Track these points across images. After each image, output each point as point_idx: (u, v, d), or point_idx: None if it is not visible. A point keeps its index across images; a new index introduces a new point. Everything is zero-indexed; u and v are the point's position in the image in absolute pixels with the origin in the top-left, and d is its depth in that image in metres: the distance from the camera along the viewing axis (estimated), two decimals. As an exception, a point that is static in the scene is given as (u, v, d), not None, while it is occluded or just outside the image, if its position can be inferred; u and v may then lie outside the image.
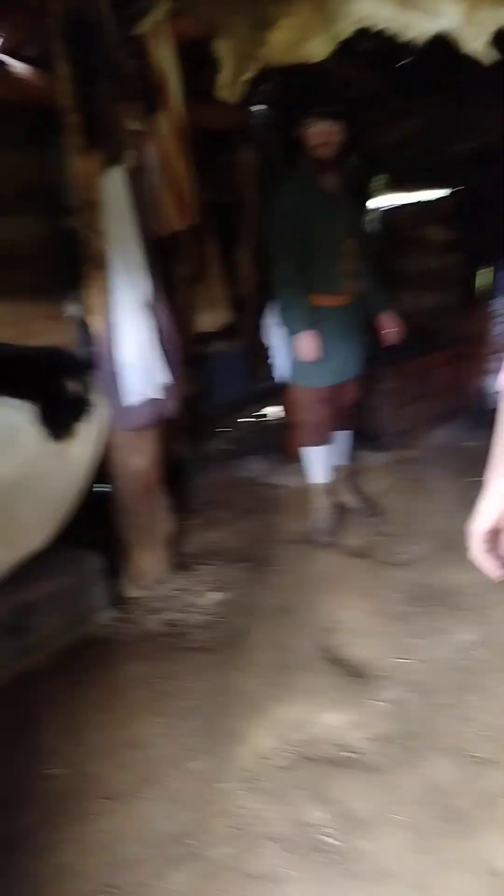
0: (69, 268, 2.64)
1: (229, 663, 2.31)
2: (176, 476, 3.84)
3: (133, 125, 2.30)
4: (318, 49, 1.94)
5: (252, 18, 2.00)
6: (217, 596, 2.76)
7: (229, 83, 2.11)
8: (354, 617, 2.59)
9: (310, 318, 2.82)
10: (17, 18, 2.34)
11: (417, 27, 1.77)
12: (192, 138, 2.36)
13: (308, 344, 2.84)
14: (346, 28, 1.85)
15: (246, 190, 3.55)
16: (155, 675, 2.28)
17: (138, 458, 2.59)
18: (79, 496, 2.44)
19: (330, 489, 3.33)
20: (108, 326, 2.34)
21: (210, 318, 3.57)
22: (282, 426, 4.44)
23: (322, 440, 3.17)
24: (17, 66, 2.50)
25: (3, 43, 2.46)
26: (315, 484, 3.29)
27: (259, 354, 4.13)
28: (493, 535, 0.99)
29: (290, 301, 2.84)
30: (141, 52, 2.29)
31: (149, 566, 2.77)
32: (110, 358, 2.36)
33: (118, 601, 2.69)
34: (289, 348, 3.02)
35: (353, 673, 2.26)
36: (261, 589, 2.82)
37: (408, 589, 2.73)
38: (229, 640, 2.46)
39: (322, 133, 2.74)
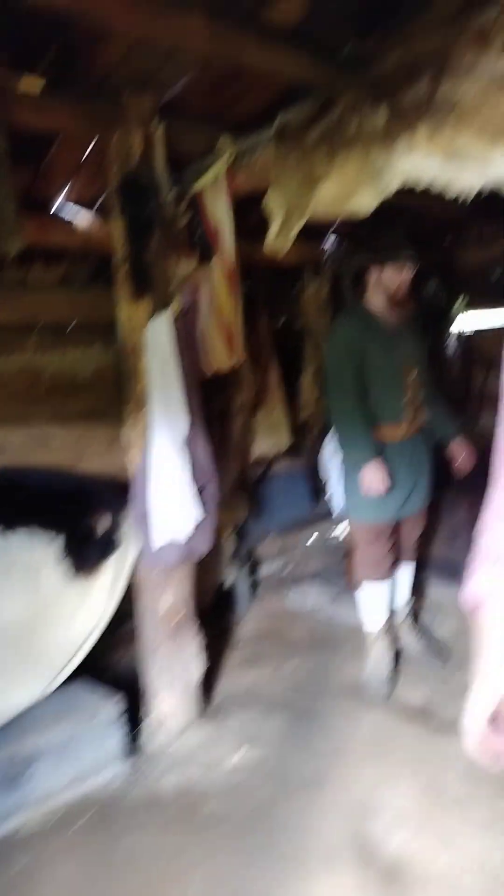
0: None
1: (243, 850, 2.06)
2: (221, 605, 3.72)
3: (184, 272, 2.37)
4: (365, 202, 1.94)
5: (301, 173, 2.05)
6: (245, 754, 2.53)
7: (279, 236, 2.14)
8: (399, 798, 2.27)
9: (374, 448, 2.72)
10: (84, 174, 2.54)
11: (465, 180, 1.72)
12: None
13: (374, 475, 2.69)
14: (391, 182, 1.84)
15: (311, 318, 3.58)
16: (159, 852, 2.07)
17: (166, 597, 2.49)
18: (100, 635, 2.36)
19: (390, 632, 3.08)
20: (144, 464, 2.33)
21: (270, 443, 3.53)
22: (345, 551, 4.26)
23: (381, 576, 2.95)
24: (84, 216, 2.69)
25: (72, 194, 2.67)
26: (372, 626, 3.04)
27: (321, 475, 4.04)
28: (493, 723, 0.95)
29: (351, 434, 2.75)
30: (197, 205, 2.39)
31: (172, 713, 2.60)
32: (143, 495, 2.33)
33: (133, 753, 2.51)
34: (346, 481, 2.90)
35: (387, 875, 1.94)
36: (296, 750, 2.56)
37: (469, 765, 2.37)
38: (249, 816, 2.21)
39: (393, 277, 2.74)
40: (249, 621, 3.70)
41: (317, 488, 4.58)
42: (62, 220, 2.71)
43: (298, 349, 3.74)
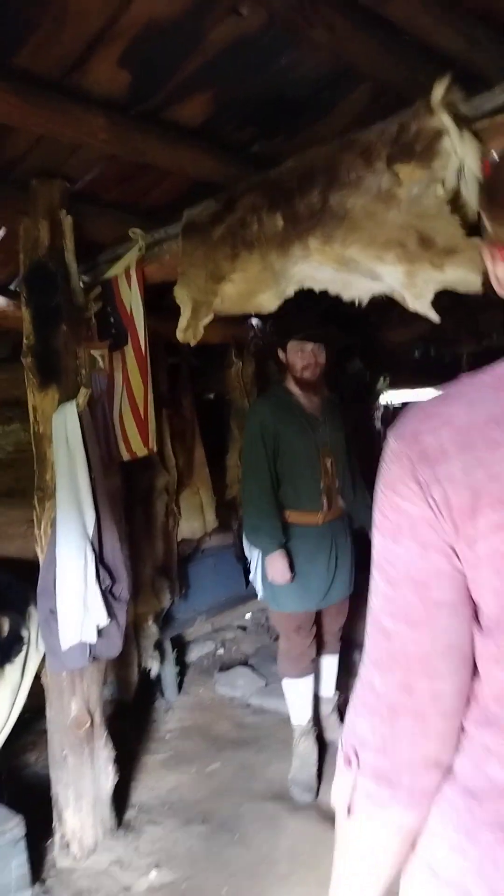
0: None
1: None
2: (146, 696, 3.55)
3: (95, 359, 2.34)
4: (267, 302, 1.97)
5: (207, 270, 2.07)
6: (155, 877, 2.34)
7: (187, 328, 2.15)
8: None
9: (280, 537, 2.69)
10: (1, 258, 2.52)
11: (359, 287, 1.76)
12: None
13: (278, 565, 2.67)
14: (289, 286, 1.88)
15: (237, 397, 3.59)
16: None
17: (74, 703, 2.34)
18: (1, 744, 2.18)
19: (316, 727, 2.97)
20: (49, 559, 2.22)
21: (195, 525, 3.46)
22: (276, 635, 4.16)
23: (301, 671, 2.87)
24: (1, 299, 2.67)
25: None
26: (297, 721, 2.93)
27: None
28: None
29: (259, 519, 2.73)
30: (112, 292, 2.39)
31: (81, 831, 2.41)
32: (49, 592, 2.22)
33: (40, 876, 2.31)
34: (263, 568, 2.85)
35: None
36: (213, 869, 2.38)
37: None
38: None
39: (303, 356, 2.75)
40: (175, 713, 3.53)
41: (248, 567, 4.50)
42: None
43: (226, 426, 3.74)
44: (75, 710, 2.34)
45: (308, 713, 2.91)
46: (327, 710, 3.09)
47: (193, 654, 4.21)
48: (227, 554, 4.22)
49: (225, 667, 3.96)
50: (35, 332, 2.20)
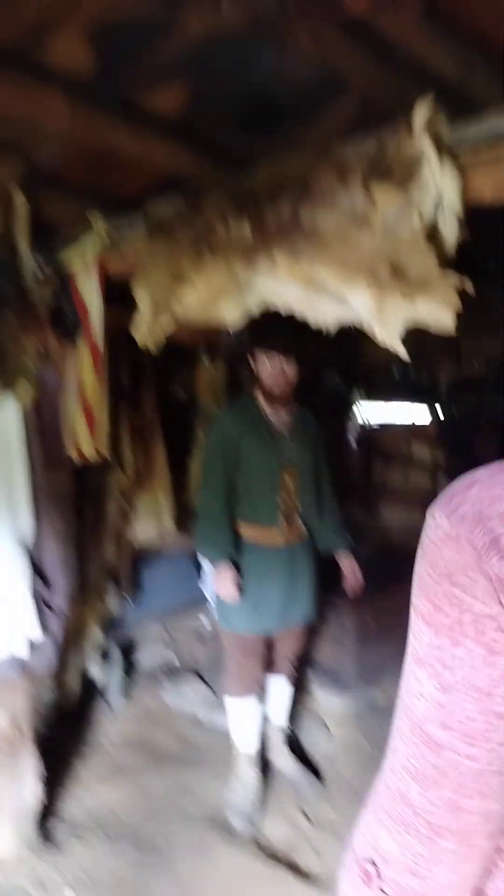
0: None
1: None
2: (88, 702, 3.44)
3: (45, 351, 2.21)
4: (229, 313, 1.85)
5: (169, 270, 1.95)
6: (71, 900, 2.26)
7: (146, 329, 2.02)
8: None
9: (228, 549, 2.59)
10: None
11: (327, 312, 1.65)
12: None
13: (225, 579, 2.57)
14: (253, 300, 1.76)
15: (204, 401, 3.47)
16: None
17: (2, 714, 2.22)
18: None
19: (259, 752, 2.89)
20: (-22, 567, 2.10)
21: (151, 528, 3.35)
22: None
23: (246, 692, 2.78)
24: None
25: None
26: (238, 746, 2.85)
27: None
28: None
29: (209, 528, 2.63)
30: (67, 282, 2.25)
31: (2, 846, 2.31)
32: (-24, 602, 2.10)
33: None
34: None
35: None
36: (133, 897, 2.30)
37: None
38: None
39: (272, 369, 2.61)
40: (117, 722, 3.43)
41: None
42: None
43: (191, 428, 3.61)
44: (2, 722, 2.22)
45: (253, 740, 2.82)
46: (278, 739, 3.00)
47: (144, 659, 4.10)
48: (181, 558, 4.11)
49: (174, 675, 3.87)
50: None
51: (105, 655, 3.36)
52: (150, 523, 3.37)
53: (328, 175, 1.44)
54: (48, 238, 2.30)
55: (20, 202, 2.08)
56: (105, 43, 1.60)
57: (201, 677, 3.84)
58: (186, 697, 3.65)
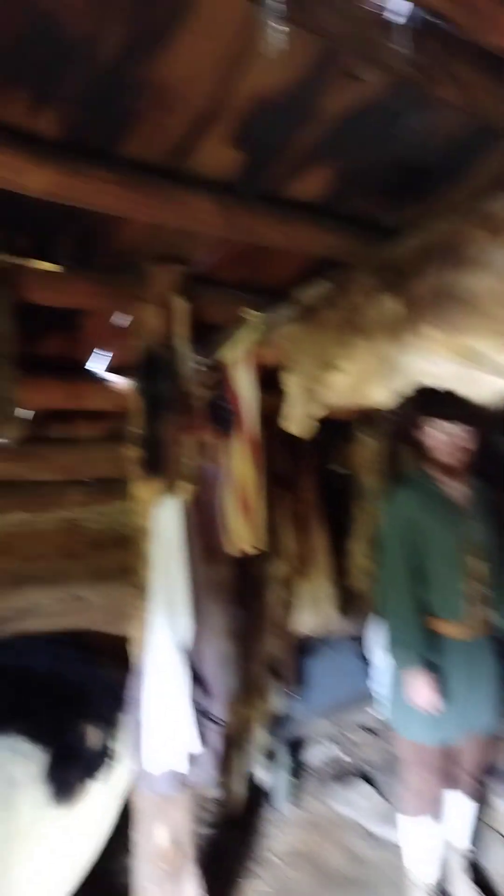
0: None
1: None
2: (254, 806, 3.26)
3: (203, 447, 2.23)
4: (379, 396, 1.73)
5: (317, 357, 1.89)
6: None
7: (296, 418, 1.96)
8: None
9: (421, 650, 2.31)
10: (117, 341, 2.51)
11: (488, 386, 1.48)
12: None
13: (420, 686, 2.28)
14: (405, 381, 1.63)
15: (364, 478, 3.32)
16: None
17: (161, 831, 2.13)
18: (85, 871, 2.02)
19: (437, 881, 2.52)
20: (140, 669, 2.07)
21: (314, 619, 3.19)
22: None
23: (424, 811, 2.45)
24: (119, 380, 2.66)
25: (110, 361, 2.66)
26: (413, 872, 2.51)
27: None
28: None
29: (398, 629, 2.36)
30: (223, 375, 2.28)
31: None
32: (138, 705, 2.06)
33: None
34: (393, 682, 2.47)
35: None
36: None
37: None
38: None
39: (447, 438, 2.39)
40: (285, 831, 3.20)
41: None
42: (101, 381, 2.70)
43: (350, 509, 3.47)
44: (161, 840, 2.13)
45: (430, 867, 2.47)
46: (458, 864, 2.62)
47: (312, 756, 3.86)
48: (351, 646, 3.88)
49: (344, 779, 3.58)
50: (144, 421, 2.13)
51: (271, 756, 3.18)
52: (312, 612, 3.22)
53: (479, 234, 1.31)
54: (206, 337, 2.36)
55: (180, 306, 2.16)
56: (249, 141, 1.63)
57: (371, 782, 3.52)
58: (355, 805, 3.35)
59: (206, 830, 3.05)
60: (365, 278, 1.68)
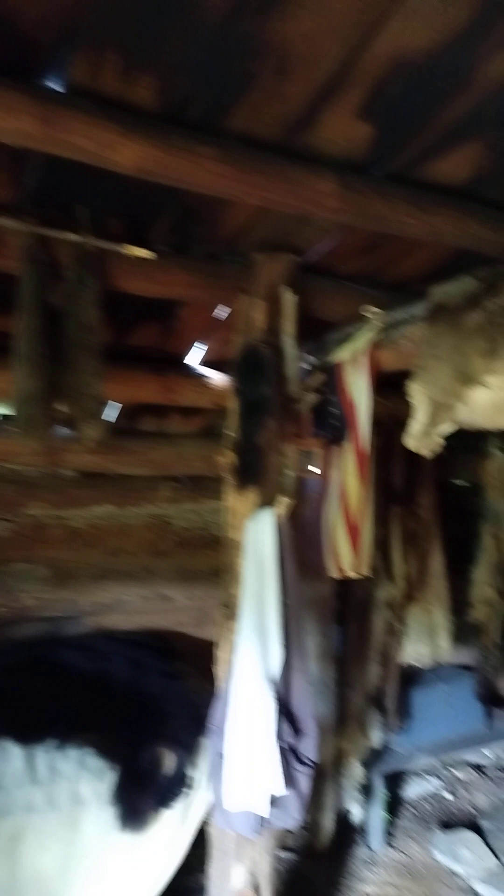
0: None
1: None
2: (345, 842, 3.07)
3: (307, 456, 2.04)
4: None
5: (454, 366, 1.63)
6: None
7: (421, 434, 1.72)
8: None
9: None
10: (216, 334, 2.36)
11: None
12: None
13: None
14: None
15: (493, 496, 2.99)
16: None
17: (237, 870, 2.00)
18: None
19: None
20: (225, 696, 1.94)
21: (423, 649, 2.93)
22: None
23: None
24: (216, 375, 2.51)
25: (207, 355, 2.52)
26: None
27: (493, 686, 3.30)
28: None
29: None
30: (335, 378, 2.07)
31: None
32: (221, 733, 1.93)
33: None
34: None
35: None
36: None
37: None
38: None
39: None
40: (376, 872, 2.99)
41: (492, 698, 3.76)
42: (196, 376, 2.56)
43: (473, 530, 3.14)
44: (238, 881, 2.00)
45: None
46: None
47: (411, 791, 3.61)
48: (464, 679, 3.56)
49: (449, 824, 3.31)
50: (240, 425, 1.96)
51: (366, 790, 2.97)
52: (422, 641, 2.95)
53: None
54: (318, 335, 2.16)
55: (288, 299, 1.96)
56: (382, 112, 1.40)
57: (481, 833, 3.22)
58: (460, 858, 3.06)
59: (289, 859, 2.91)
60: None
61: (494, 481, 3.02)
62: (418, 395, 1.75)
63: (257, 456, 1.94)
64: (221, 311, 2.21)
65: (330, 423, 2.08)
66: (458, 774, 3.84)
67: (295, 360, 1.99)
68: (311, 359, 2.12)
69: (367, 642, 2.83)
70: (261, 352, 1.92)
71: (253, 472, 1.95)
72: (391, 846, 3.16)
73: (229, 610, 2.01)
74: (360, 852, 3.07)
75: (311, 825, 2.80)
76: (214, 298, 2.10)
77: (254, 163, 1.50)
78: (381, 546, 2.41)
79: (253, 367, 1.93)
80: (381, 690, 2.94)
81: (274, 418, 1.94)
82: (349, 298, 2.09)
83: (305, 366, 2.10)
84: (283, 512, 1.91)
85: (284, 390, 1.97)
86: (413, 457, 2.97)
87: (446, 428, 1.69)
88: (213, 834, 2.07)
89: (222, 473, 2.04)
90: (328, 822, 2.87)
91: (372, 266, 2.04)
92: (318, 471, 2.10)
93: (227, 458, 2.00)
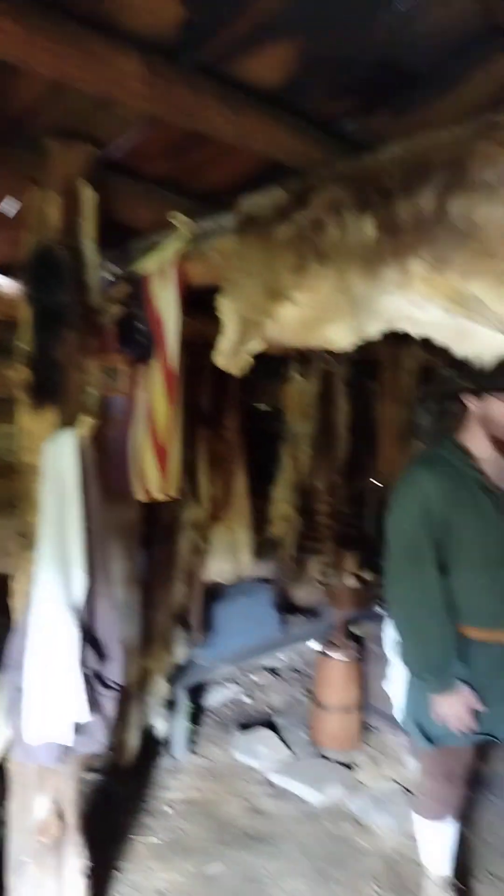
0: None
1: None
2: (148, 754, 3.17)
3: (110, 374, 1.92)
4: (338, 337, 1.48)
5: (263, 281, 1.60)
6: None
7: (230, 351, 1.69)
8: None
9: (454, 672, 2.01)
10: (8, 235, 2.11)
11: (480, 341, 1.25)
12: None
13: (453, 707, 2.01)
14: (372, 322, 1.38)
15: (293, 419, 3.11)
16: None
17: (40, 802, 1.96)
18: None
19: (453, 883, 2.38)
20: (23, 626, 1.83)
21: (227, 567, 3.03)
22: (310, 691, 3.71)
23: (447, 813, 2.28)
24: (2, 282, 2.26)
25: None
26: (430, 869, 2.36)
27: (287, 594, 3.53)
28: None
29: (423, 650, 2.05)
30: (141, 291, 1.95)
31: None
32: (18, 667, 1.83)
33: None
34: (411, 689, 2.17)
35: None
36: None
37: None
38: None
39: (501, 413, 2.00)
40: (181, 778, 3.14)
41: (287, 606, 4.06)
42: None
43: (274, 452, 3.27)
44: (41, 811, 1.95)
45: (446, 863, 2.35)
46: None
47: (213, 699, 3.81)
48: (262, 591, 3.78)
49: (247, 725, 3.55)
50: (33, 336, 1.78)
51: (171, 705, 3.07)
52: (225, 559, 3.05)
53: (492, 152, 1.05)
54: (121, 242, 2.00)
55: (87, 196, 1.78)
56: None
57: (275, 729, 3.50)
58: (257, 753, 3.32)
59: (94, 780, 2.94)
60: (332, 190, 1.38)
61: (294, 405, 3.14)
62: (228, 312, 1.71)
63: (55, 372, 1.79)
64: (9, 206, 1.96)
65: (136, 340, 1.97)
66: (255, 679, 4.12)
67: (96, 267, 1.84)
68: (115, 268, 1.97)
69: (172, 563, 2.85)
70: (56, 253, 1.73)
71: (50, 390, 1.80)
72: (194, 753, 3.32)
73: (27, 540, 1.88)
74: (165, 763, 3.20)
75: (115, 744, 2.83)
76: (0, 189, 1.85)
77: (49, 25, 1.29)
78: (188, 468, 2.40)
79: (47, 270, 1.74)
80: (185, 608, 3.01)
81: (73, 330, 1.78)
82: (156, 203, 1.96)
83: (108, 275, 1.95)
84: (86, 433, 1.79)
85: (85, 299, 1.81)
86: (219, 380, 2.98)
87: (255, 345, 1.68)
88: (13, 769, 2.00)
89: (15, 391, 1.85)
90: (133, 740, 2.92)
91: (180, 170, 1.92)
92: (123, 390, 2.00)
93: (19, 374, 1.82)
